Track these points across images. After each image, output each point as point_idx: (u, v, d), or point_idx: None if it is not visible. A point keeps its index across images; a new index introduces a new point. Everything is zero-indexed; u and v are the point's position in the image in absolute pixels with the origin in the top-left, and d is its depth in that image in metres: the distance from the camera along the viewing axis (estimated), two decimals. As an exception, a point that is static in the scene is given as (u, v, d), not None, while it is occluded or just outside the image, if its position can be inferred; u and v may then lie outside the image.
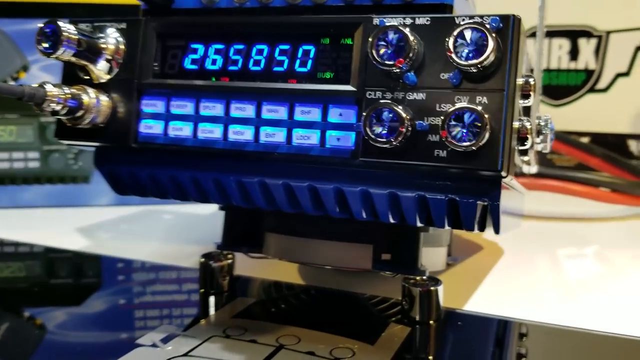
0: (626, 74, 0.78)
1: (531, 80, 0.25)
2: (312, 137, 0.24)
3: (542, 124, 0.31)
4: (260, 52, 0.25)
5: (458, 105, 0.21)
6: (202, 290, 0.35)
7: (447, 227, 0.27)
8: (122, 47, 0.27)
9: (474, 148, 0.21)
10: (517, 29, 0.23)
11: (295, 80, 0.24)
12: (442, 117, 0.21)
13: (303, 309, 0.33)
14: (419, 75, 0.22)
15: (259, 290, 0.36)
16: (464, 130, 0.21)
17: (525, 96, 0.25)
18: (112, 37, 0.27)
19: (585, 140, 0.78)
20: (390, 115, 0.22)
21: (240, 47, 0.26)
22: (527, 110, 0.30)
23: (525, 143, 0.25)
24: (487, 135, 0.21)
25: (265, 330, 0.30)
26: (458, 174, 0.23)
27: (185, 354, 0.27)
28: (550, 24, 0.79)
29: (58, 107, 0.25)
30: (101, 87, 0.27)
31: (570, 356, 0.29)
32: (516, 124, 0.24)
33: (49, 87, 0.25)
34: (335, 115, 0.24)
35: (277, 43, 0.25)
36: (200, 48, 0.26)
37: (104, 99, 0.27)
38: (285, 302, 0.34)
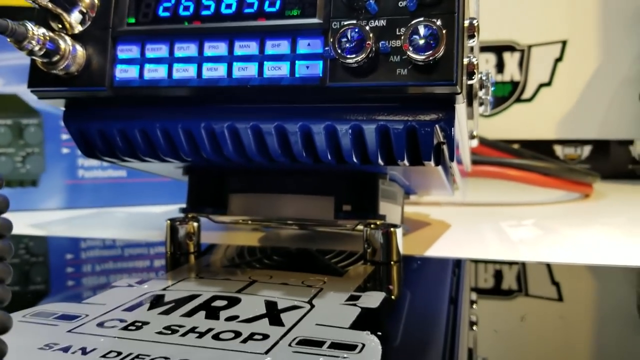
0: (548, 84, 0.84)
1: (475, 22, 0.28)
2: (282, 68, 0.26)
3: (484, 77, 0.34)
4: (231, -5, 0.27)
5: (418, 20, 0.24)
6: (168, 253, 0.35)
7: (406, 162, 0.29)
8: (96, 1, 0.29)
9: (432, 59, 0.24)
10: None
11: (265, 19, 0.27)
12: (404, 33, 0.24)
13: (273, 261, 0.35)
14: (379, 4, 0.25)
15: (226, 252, 0.37)
16: (423, 42, 0.24)
17: (471, 36, 0.28)
18: (87, -9, 0.28)
19: (515, 146, 0.83)
20: (356, 33, 0.24)
21: (213, -8, 0.28)
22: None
23: (473, 77, 0.28)
24: (442, 48, 0.24)
25: (236, 273, 0.31)
26: (416, 97, 0.26)
27: (163, 289, 0.28)
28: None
29: (37, 47, 0.26)
30: (75, 38, 0.29)
31: (512, 283, 0.32)
32: (465, 60, 0.27)
33: (30, 26, 0.26)
34: (304, 46, 0.26)
35: (247, -15, 0.27)
36: (173, -4, 0.28)
37: (79, 48, 0.28)
38: (255, 259, 0.35)
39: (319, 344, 0.21)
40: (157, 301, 0.26)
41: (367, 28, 0.24)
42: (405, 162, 0.29)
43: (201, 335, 0.22)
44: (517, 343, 0.22)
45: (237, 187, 0.36)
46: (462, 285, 0.31)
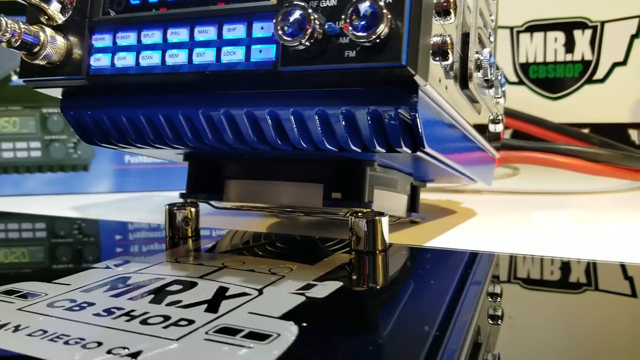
0: (623, 62, 0.78)
1: (450, -1, 0.26)
2: (237, 53, 0.26)
3: (482, 57, 0.32)
4: (194, -19, 0.27)
5: (356, -1, 0.23)
6: (167, 236, 0.36)
7: (379, 149, 0.28)
8: (76, -9, 0.30)
9: (374, 38, 0.22)
10: None
11: (224, 3, 0.26)
12: (344, 12, 0.23)
13: (270, 248, 0.35)
14: (329, -17, 0.24)
15: (232, 238, 0.38)
16: (363, 22, 0.22)
17: (444, 13, 0.26)
18: (65, -19, 0.29)
19: (585, 131, 0.78)
20: (297, 13, 0.23)
21: (177, -21, 0.28)
22: (465, 43, 0.31)
23: (447, 57, 0.26)
24: (384, 26, 0.22)
25: (214, 258, 0.31)
26: (377, 81, 0.25)
27: (133, 272, 0.28)
28: (544, 17, 0.80)
29: (12, 39, 0.27)
30: (59, 29, 0.30)
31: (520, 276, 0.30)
32: (436, 39, 0.26)
33: (4, 20, 0.27)
34: (257, 29, 0.26)
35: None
36: (143, -16, 0.28)
37: (59, 38, 0.29)
38: (256, 244, 0.36)
39: (235, 332, 0.20)
40: (118, 284, 0.27)
41: (310, 9, 0.23)
42: (379, 148, 0.28)
43: (132, 319, 0.22)
44: (533, 340, 0.21)
45: (232, 174, 0.36)
46: (446, 276, 0.29)
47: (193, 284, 0.26)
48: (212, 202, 0.38)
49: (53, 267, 0.33)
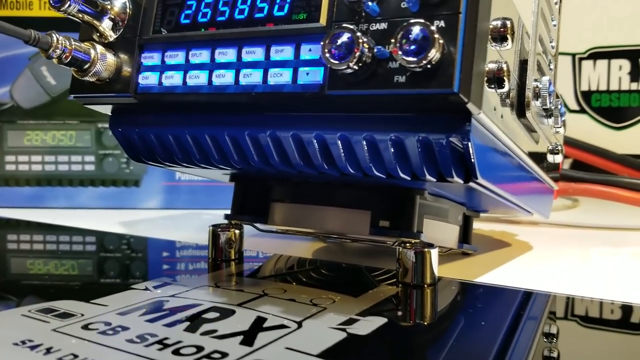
0: (692, 93, 0.74)
1: (508, 23, 0.25)
2: (284, 75, 0.25)
3: (540, 85, 0.30)
4: (244, 1, 0.27)
5: (411, 21, 0.22)
6: (210, 258, 0.36)
7: (429, 178, 0.27)
8: (128, 10, 0.30)
9: (425, 63, 0.21)
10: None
11: (273, 24, 0.26)
12: (394, 37, 0.22)
13: (314, 275, 0.33)
14: (381, 5, 0.23)
15: (277, 263, 0.37)
16: (413, 46, 0.21)
17: (500, 39, 0.25)
18: (119, 1, 0.29)
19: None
20: (345, 36, 0.22)
21: (228, -1, 0.27)
22: (523, 70, 0.30)
23: (503, 85, 0.25)
24: (436, 52, 0.21)
25: (255, 284, 0.30)
26: (429, 107, 0.24)
27: (171, 296, 0.28)
28: (609, 44, 0.77)
29: (63, 56, 0.27)
30: (109, 46, 0.30)
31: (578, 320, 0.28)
32: (491, 65, 0.24)
33: (55, 36, 0.27)
34: (306, 52, 0.25)
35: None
36: (194, 3, 0.28)
37: (109, 55, 0.29)
38: (301, 270, 0.35)
39: (268, 369, 0.19)
40: (154, 307, 0.26)
41: (359, 32, 0.22)
42: (429, 177, 0.27)
43: (164, 347, 0.21)
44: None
45: (279, 196, 0.35)
46: (499, 318, 0.27)
47: (231, 312, 0.25)
48: (257, 225, 0.37)
49: (94, 284, 0.33)
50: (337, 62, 0.23)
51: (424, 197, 0.31)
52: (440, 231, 0.35)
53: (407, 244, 0.31)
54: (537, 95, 0.30)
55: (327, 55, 0.23)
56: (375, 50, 0.23)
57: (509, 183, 0.32)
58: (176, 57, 0.28)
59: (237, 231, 0.36)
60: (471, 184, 0.27)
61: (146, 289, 0.29)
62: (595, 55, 0.78)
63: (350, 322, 0.24)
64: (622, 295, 0.30)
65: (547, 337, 0.24)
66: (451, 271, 0.34)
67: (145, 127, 0.31)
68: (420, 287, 0.30)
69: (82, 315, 0.25)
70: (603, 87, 0.78)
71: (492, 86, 0.24)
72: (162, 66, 0.28)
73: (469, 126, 0.24)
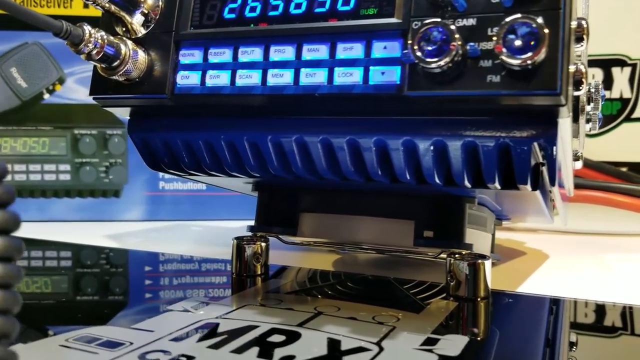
0: (663, 101, 0.76)
1: (584, 23, 0.24)
2: (354, 74, 0.23)
3: (592, 89, 0.29)
4: (302, -6, 0.24)
5: (515, 16, 0.20)
6: (234, 274, 0.33)
7: (497, 185, 0.25)
8: (160, 3, 0.27)
9: (530, 63, 0.20)
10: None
11: (337, 19, 0.24)
12: (497, 33, 0.20)
13: (342, 289, 0.31)
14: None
15: (297, 276, 0.34)
16: (521, 42, 0.20)
17: (579, 39, 0.23)
18: (151, -7, 0.27)
19: (623, 170, 0.76)
20: (439, 32, 0.21)
21: (282, -10, 0.25)
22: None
23: (581, 88, 0.23)
24: (544, 50, 0.20)
25: (302, 301, 0.28)
26: (511, 110, 0.22)
27: (218, 317, 0.25)
28: (583, 52, 0.78)
29: (94, 51, 0.25)
30: (138, 42, 0.27)
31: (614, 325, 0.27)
32: (572, 67, 0.23)
33: (87, 29, 0.24)
34: (379, 49, 0.23)
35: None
36: (240, -3, 0.26)
37: (141, 53, 0.27)
38: (325, 284, 0.32)
39: (381, 400, 0.17)
40: (209, 331, 0.23)
41: (453, 27, 0.21)
42: (497, 184, 0.25)
43: (248, 378, 0.19)
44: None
45: (308, 206, 0.33)
46: (560, 328, 0.26)
47: (296, 334, 0.23)
48: (282, 237, 0.35)
49: (115, 304, 0.29)
50: (430, 60, 0.21)
51: (473, 205, 0.30)
52: (477, 240, 0.33)
53: (457, 255, 0.29)
54: (589, 99, 0.29)
55: (418, 53, 0.21)
56: (467, 47, 0.21)
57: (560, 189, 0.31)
58: (222, 54, 0.25)
59: (263, 244, 0.33)
60: (537, 191, 0.26)
61: (185, 310, 0.26)
62: (569, 63, 0.79)
63: (431, 342, 0.22)
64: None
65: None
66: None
67: (173, 132, 0.29)
68: (473, 301, 0.28)
69: (131, 343, 0.22)
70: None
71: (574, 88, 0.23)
72: (204, 65, 0.26)
73: (555, 130, 0.22)
